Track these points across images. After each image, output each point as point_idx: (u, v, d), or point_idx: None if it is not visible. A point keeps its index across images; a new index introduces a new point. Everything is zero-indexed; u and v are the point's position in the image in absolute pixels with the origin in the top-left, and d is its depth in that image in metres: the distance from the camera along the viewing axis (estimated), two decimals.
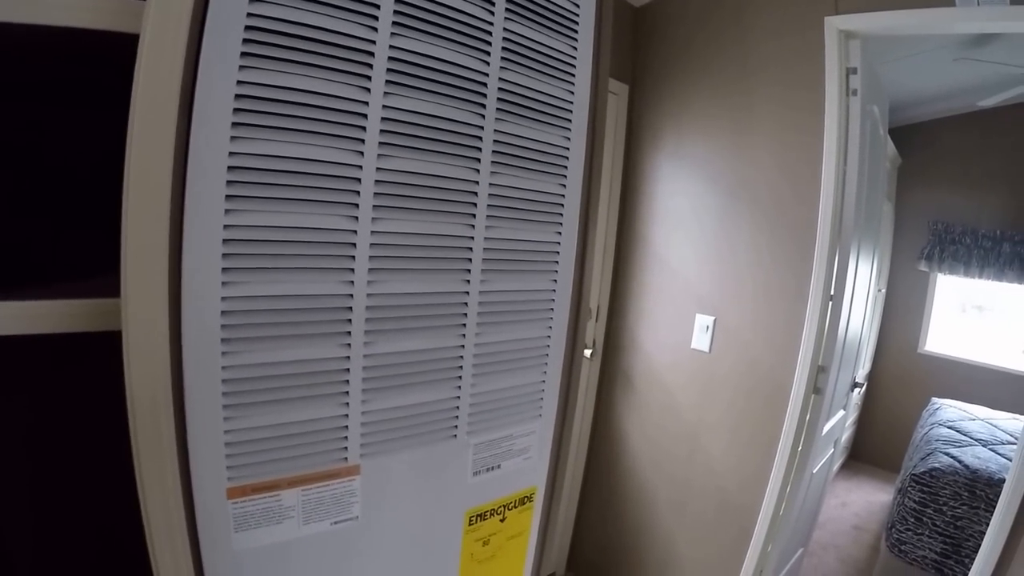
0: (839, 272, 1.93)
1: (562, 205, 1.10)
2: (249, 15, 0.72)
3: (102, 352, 0.89)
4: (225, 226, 0.76)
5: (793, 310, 1.97)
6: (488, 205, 0.98)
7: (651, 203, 2.43)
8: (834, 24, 1.83)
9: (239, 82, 0.75)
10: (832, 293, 1.93)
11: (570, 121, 1.08)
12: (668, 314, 2.36)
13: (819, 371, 1.95)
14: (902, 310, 4.70)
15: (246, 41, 0.73)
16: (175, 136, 0.73)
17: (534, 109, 1.02)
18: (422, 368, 0.95)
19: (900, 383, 4.68)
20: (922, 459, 3.00)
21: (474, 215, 0.96)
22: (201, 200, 0.75)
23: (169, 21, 0.70)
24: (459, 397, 1.00)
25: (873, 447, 4.77)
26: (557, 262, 1.12)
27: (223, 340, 0.78)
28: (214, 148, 0.74)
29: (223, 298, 0.77)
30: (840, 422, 2.53)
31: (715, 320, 2.18)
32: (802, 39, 1.92)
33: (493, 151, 0.97)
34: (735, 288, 2.13)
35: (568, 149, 1.09)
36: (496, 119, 0.96)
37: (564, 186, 1.09)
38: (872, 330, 4.62)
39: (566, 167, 1.09)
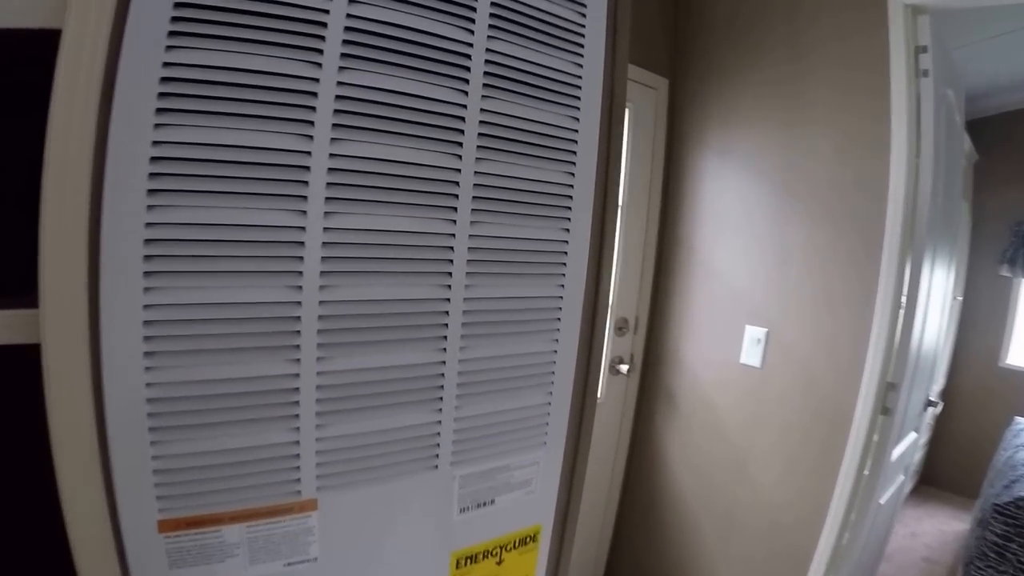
0: (911, 277, 1.71)
1: (570, 198, 0.96)
2: None
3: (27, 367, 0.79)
4: (147, 224, 0.67)
5: (857, 320, 1.76)
6: (474, 197, 0.85)
7: (695, 204, 2.25)
8: None
9: (165, 64, 0.65)
10: (903, 301, 1.71)
11: (578, 99, 0.95)
12: (714, 326, 2.17)
13: (888, 389, 1.74)
14: (981, 320, 4.32)
15: (175, 19, 0.63)
16: (96, 125, 0.66)
17: (531, 85, 0.89)
18: (393, 388, 0.83)
19: (978, 400, 4.29)
20: (1006, 487, 2.70)
21: (455, 208, 0.83)
22: (121, 195, 0.66)
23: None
24: (440, 422, 0.88)
25: (947, 471, 4.39)
26: (565, 264, 0.98)
27: (146, 353, 0.68)
28: (136, 137, 0.66)
29: (146, 306, 0.67)
30: (912, 445, 2.29)
31: (767, 332, 1.99)
32: (861, 15, 1.72)
33: (479, 134, 0.84)
34: (790, 296, 1.94)
35: (576, 132, 0.95)
36: (483, 97, 0.84)
37: (572, 175, 0.96)
38: (948, 342, 4.26)
39: (575, 153, 0.95)
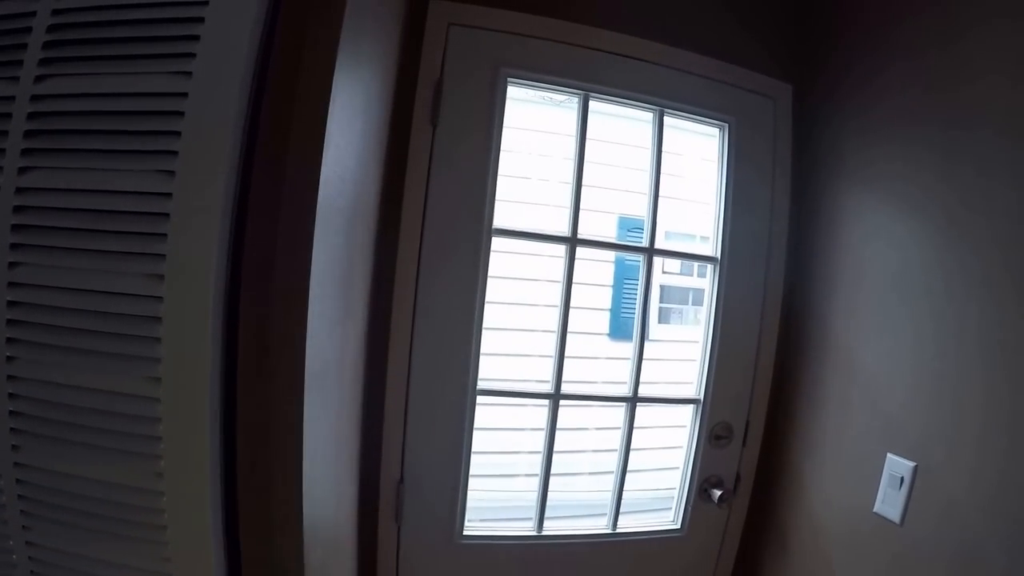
0: None
1: None
2: None
3: None
4: None
5: None
6: None
7: (832, 262, 1.60)
8: None
9: None
10: None
11: None
12: (843, 450, 1.48)
13: None
14: None
15: None
16: None
17: None
18: None
19: None
20: None
21: None
22: None
23: None
24: None
25: None
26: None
27: None
28: None
29: None
30: None
31: (915, 468, 1.27)
32: None
33: None
34: (960, 414, 1.23)
35: None
36: None
37: None
38: None
39: None
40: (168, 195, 0.68)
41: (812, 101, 1.72)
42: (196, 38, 0.68)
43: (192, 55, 0.68)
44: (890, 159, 1.45)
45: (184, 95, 0.67)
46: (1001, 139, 1.19)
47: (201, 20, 0.69)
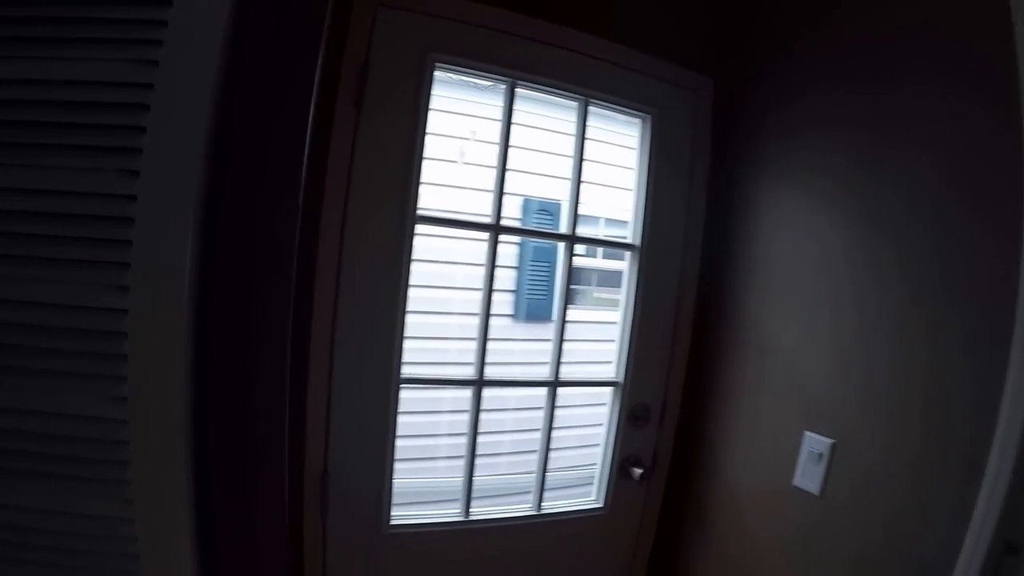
0: None
1: None
2: None
3: None
4: None
5: (969, 440, 1.19)
6: None
7: (749, 250, 1.72)
8: None
9: None
10: None
11: None
12: (762, 428, 1.60)
13: (1004, 552, 1.14)
14: None
15: None
16: None
17: None
18: None
19: None
20: None
21: None
22: None
23: None
24: None
25: None
26: None
27: None
28: None
29: None
30: None
31: (833, 445, 1.41)
32: None
33: None
34: (871, 394, 1.38)
35: None
36: None
37: None
38: None
39: None
40: (132, 197, 0.62)
41: (733, 95, 1.82)
42: (163, 24, 0.62)
43: (159, 42, 0.62)
44: (808, 152, 1.58)
45: (150, 86, 0.61)
46: (929, 139, 1.32)
47: (169, 3, 0.63)
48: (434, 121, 1.54)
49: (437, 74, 1.52)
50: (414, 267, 1.55)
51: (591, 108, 1.71)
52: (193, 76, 0.63)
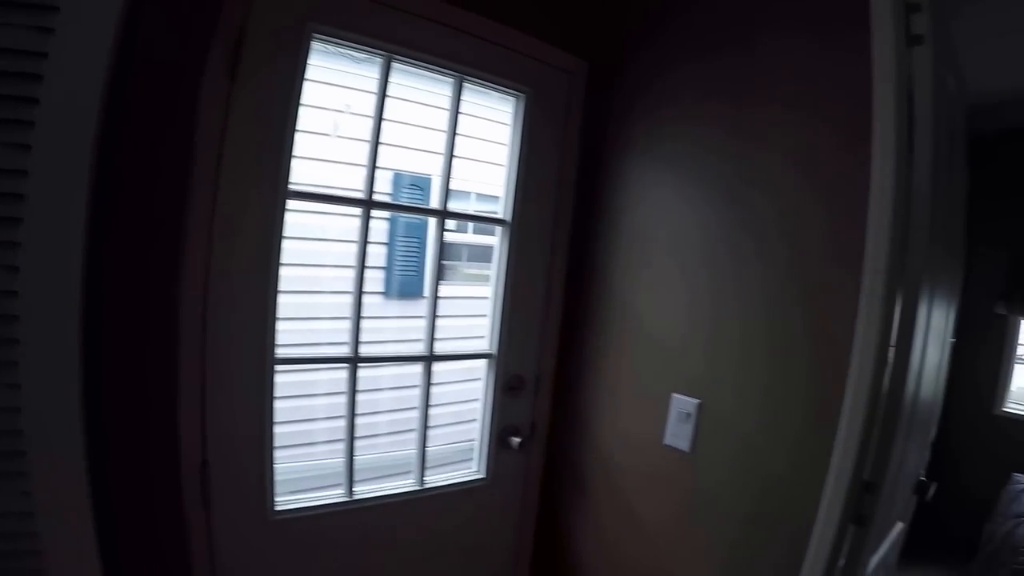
0: (902, 328, 1.27)
1: None
2: None
3: None
4: None
5: (824, 390, 1.36)
6: None
7: (616, 224, 1.82)
8: None
9: None
10: (891, 362, 1.25)
11: None
12: (633, 391, 1.73)
13: (864, 490, 1.29)
14: (974, 362, 3.97)
15: None
16: None
17: None
18: None
19: (971, 454, 3.90)
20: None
21: None
22: None
23: None
24: None
25: (935, 539, 3.97)
26: None
27: None
28: None
29: None
30: (896, 541, 1.85)
31: (700, 405, 1.55)
32: None
33: None
34: (730, 354, 1.54)
35: None
36: None
37: None
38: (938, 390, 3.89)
39: None
40: (23, 172, 0.55)
41: (607, 76, 1.90)
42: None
43: (55, 8, 0.54)
44: (676, 132, 1.70)
45: (44, 55, 0.54)
46: (784, 123, 1.46)
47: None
48: (309, 92, 1.48)
49: (314, 44, 1.46)
50: (285, 244, 1.49)
51: (468, 84, 1.73)
52: (89, 45, 0.57)
